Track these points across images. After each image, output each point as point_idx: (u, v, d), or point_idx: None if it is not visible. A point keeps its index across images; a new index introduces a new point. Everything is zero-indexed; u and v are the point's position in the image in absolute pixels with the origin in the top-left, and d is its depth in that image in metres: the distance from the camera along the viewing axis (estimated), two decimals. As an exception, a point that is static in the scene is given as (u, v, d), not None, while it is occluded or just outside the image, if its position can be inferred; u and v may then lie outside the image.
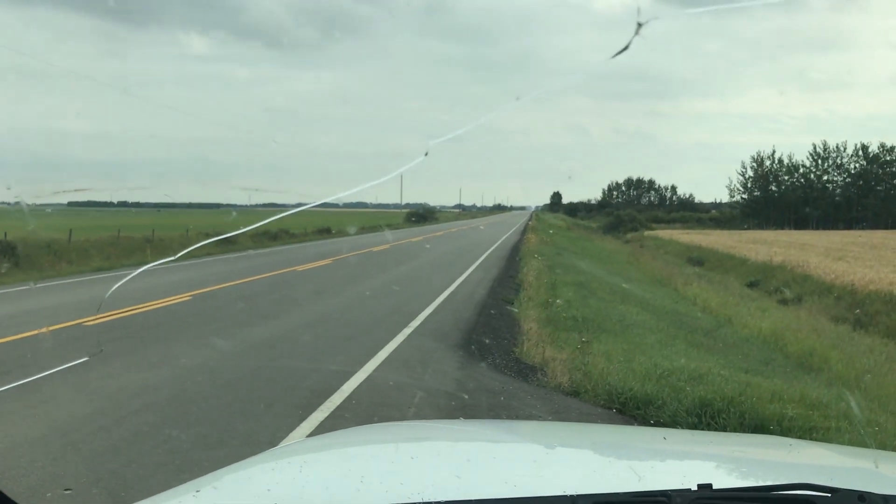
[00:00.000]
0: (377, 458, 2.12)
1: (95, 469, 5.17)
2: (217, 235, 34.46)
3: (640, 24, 1.68)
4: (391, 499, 1.44)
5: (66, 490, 4.77)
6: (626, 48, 1.75)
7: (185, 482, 1.81)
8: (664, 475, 1.97)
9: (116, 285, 2.80)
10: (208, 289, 15.48)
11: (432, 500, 1.40)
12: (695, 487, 1.43)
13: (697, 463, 2.14)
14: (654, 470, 2.04)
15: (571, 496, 1.37)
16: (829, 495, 1.41)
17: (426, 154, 2.11)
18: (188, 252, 2.91)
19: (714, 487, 1.44)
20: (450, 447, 2.32)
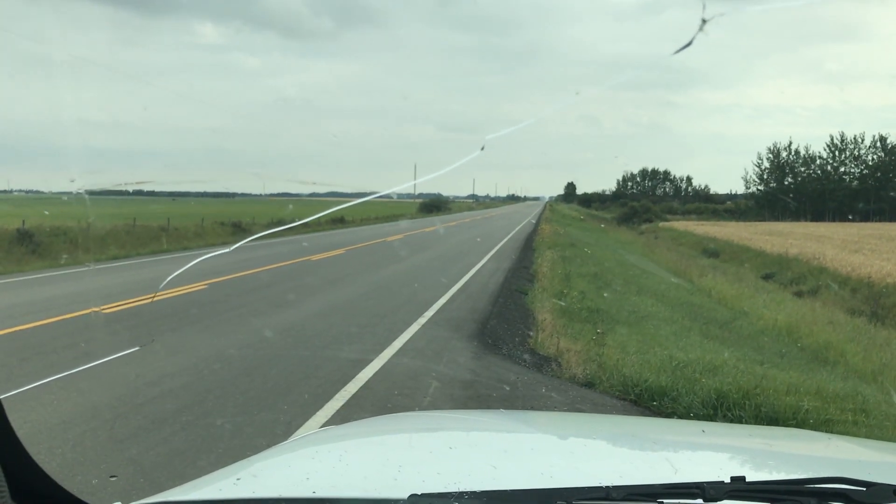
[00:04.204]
0: (414, 447, 2.13)
1: (115, 456, 5.23)
2: (232, 224, 34.61)
3: (704, 21, 1.67)
4: (428, 488, 1.44)
5: (111, 477, 4.83)
6: (689, 44, 1.73)
7: (204, 470, 1.82)
8: (700, 467, 1.97)
9: (175, 273, 2.81)
10: (224, 278, 15.55)
11: (468, 489, 1.41)
12: (728, 480, 1.43)
13: (733, 456, 2.13)
14: (690, 462, 2.03)
15: (605, 487, 1.37)
16: (864, 489, 1.40)
17: (482, 148, 2.13)
18: (240, 243, 2.94)
19: (748, 480, 1.44)
20: (486, 438, 2.33)
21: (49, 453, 5.22)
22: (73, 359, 8.14)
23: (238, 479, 1.64)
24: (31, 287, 14.60)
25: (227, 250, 2.78)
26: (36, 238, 21.75)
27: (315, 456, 1.93)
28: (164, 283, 6.83)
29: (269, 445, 2.27)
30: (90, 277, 16.68)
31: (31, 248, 20.85)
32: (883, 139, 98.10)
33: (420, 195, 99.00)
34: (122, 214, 33.62)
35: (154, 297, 11.85)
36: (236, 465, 1.83)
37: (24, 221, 22.60)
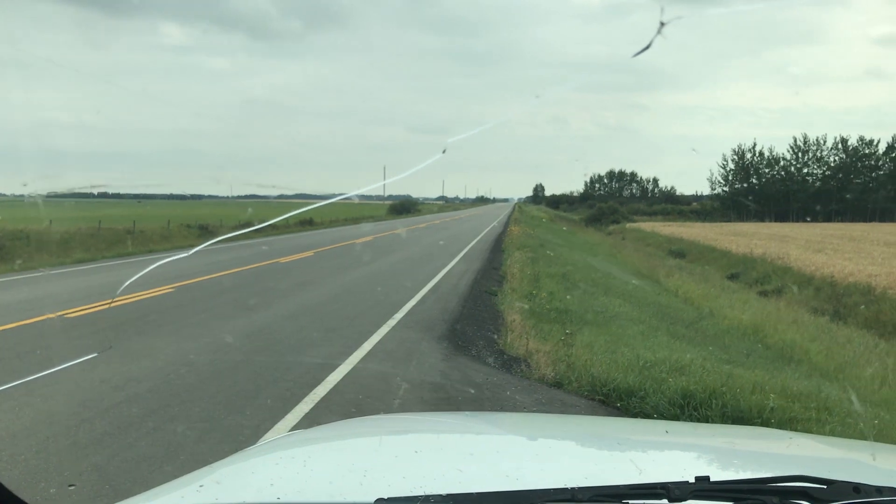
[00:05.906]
0: (380, 451, 2.11)
1: (78, 462, 5.14)
2: (199, 227, 34.26)
3: (662, 24, 1.68)
4: (394, 492, 1.44)
5: (69, 486, 4.74)
6: (647, 47, 1.75)
7: (170, 475, 1.79)
8: (665, 468, 1.99)
9: (133, 278, 2.77)
10: (191, 280, 15.38)
11: (434, 492, 1.41)
12: (693, 480, 1.44)
13: (698, 456, 2.16)
14: (655, 463, 2.05)
15: (571, 489, 1.38)
16: (826, 487, 1.42)
17: (444, 151, 2.13)
18: (200, 246, 2.88)
19: (712, 480, 1.46)
20: (452, 440, 2.33)
21: (11, 461, 5.12)
22: (34, 364, 7.99)
23: (201, 486, 1.62)
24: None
25: (186, 254, 2.72)
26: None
27: (279, 461, 1.91)
28: (122, 288, 6.72)
29: (235, 451, 2.24)
30: (54, 282, 16.38)
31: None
32: (844, 141, 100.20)
33: (389, 197, 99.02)
34: (87, 217, 33.07)
35: (111, 303, 11.66)
36: (199, 471, 1.80)
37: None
